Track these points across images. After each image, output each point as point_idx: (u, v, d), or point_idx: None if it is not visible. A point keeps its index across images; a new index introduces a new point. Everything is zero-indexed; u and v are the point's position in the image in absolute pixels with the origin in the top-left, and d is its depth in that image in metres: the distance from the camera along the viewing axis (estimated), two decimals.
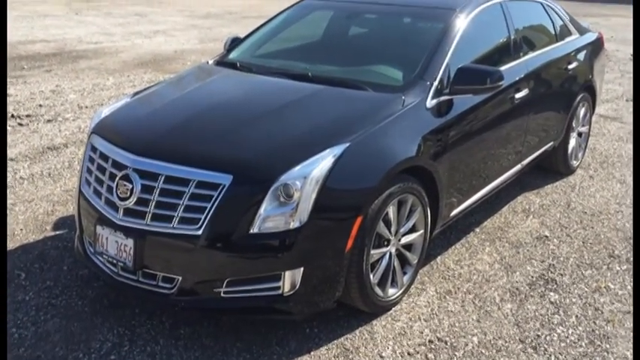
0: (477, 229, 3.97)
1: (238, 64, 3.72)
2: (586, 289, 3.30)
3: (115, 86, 7.69)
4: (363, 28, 4.14)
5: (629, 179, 4.93)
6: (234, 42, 4.16)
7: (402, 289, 3.10)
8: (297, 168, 2.60)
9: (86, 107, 6.60)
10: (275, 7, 4.47)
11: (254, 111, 3.04)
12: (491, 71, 3.27)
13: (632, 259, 3.64)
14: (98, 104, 6.69)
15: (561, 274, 3.44)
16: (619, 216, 4.23)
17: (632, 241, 3.87)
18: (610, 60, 10.62)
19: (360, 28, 4.13)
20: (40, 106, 6.60)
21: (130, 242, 2.68)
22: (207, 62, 3.96)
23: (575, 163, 5.00)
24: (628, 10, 21.15)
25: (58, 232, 3.76)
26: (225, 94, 3.36)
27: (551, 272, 3.46)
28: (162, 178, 2.66)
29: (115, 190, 2.75)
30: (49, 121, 6.06)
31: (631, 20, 17.94)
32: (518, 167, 4.14)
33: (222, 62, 3.87)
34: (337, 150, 2.68)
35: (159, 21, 14.86)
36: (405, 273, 3.12)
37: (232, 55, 3.94)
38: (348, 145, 2.72)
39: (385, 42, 3.81)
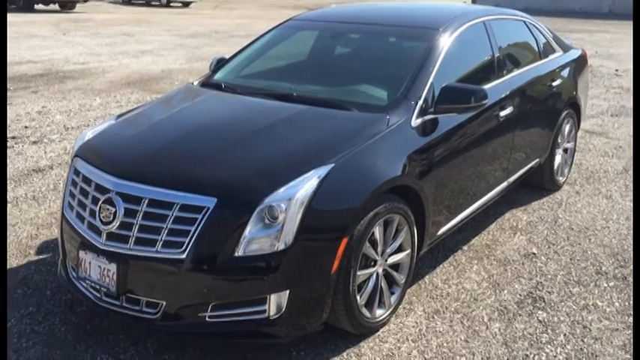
0: (465, 247, 3.96)
1: (223, 85, 3.71)
2: (574, 307, 3.29)
3: (102, 106, 7.67)
4: (348, 48, 4.15)
5: (616, 194, 4.95)
6: (220, 62, 4.16)
7: (390, 310, 3.08)
8: (282, 190, 2.58)
9: (72, 128, 6.57)
10: (262, 25, 4.49)
11: (238, 132, 3.03)
12: (475, 90, 3.28)
13: (619, 275, 3.64)
14: (84, 125, 6.66)
15: (549, 292, 3.43)
16: (606, 232, 4.23)
17: (619, 257, 3.87)
18: (595, 76, 10.75)
19: (345, 48, 4.15)
20: (26, 127, 6.56)
21: (113, 267, 2.65)
22: (193, 83, 3.96)
23: (561, 179, 5.02)
24: (612, 26, 21.50)
25: (41, 257, 3.71)
26: (209, 115, 3.35)
27: (539, 290, 3.45)
28: (146, 201, 2.63)
29: (97, 213, 2.72)
30: (34, 142, 6.02)
31: (615, 36, 18.20)
32: (504, 184, 4.14)
33: (207, 83, 3.87)
34: (322, 171, 2.67)
35: (146, 40, 14.88)
36: (392, 293, 3.10)
37: (217, 76, 3.94)
38: (332, 165, 2.71)
39: (370, 62, 3.82)
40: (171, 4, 30.35)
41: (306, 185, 2.60)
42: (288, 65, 4.12)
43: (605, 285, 3.53)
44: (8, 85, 8.71)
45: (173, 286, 2.60)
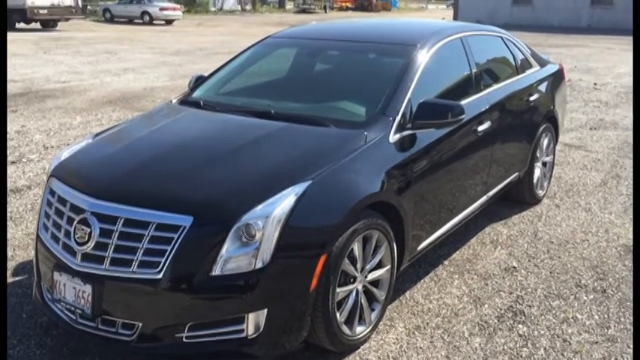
0: (446, 262, 3.96)
1: (202, 103, 3.70)
2: (554, 320, 3.29)
3: (82, 125, 7.62)
4: (327, 65, 4.17)
5: (595, 207, 4.99)
6: (199, 80, 4.16)
7: (371, 327, 3.06)
8: (259, 207, 2.57)
9: (52, 147, 6.51)
10: (245, 42, 4.50)
11: (216, 150, 3.02)
12: (452, 105, 3.30)
13: (598, 288, 3.66)
14: (64, 144, 6.61)
15: (529, 306, 3.44)
16: (585, 245, 4.26)
17: (598, 270, 3.89)
18: (574, 89, 10.89)
19: (324, 65, 4.16)
20: None
21: (88, 288, 2.61)
22: (171, 101, 3.94)
23: (541, 192, 5.06)
24: (590, 40, 21.85)
25: (17, 278, 3.65)
26: (186, 133, 3.33)
27: (520, 304, 3.45)
28: (122, 221, 2.61)
29: (72, 234, 2.68)
30: (12, 162, 5.95)
31: (593, 50, 18.49)
32: (484, 199, 4.16)
33: (185, 101, 3.86)
34: (299, 188, 2.66)
35: (129, 58, 14.87)
36: (372, 310, 3.08)
37: (196, 94, 3.93)
38: (310, 182, 2.70)
39: (348, 78, 3.84)
40: (154, 22, 30.41)
41: (283, 203, 2.59)
42: (267, 82, 4.13)
43: (585, 298, 3.54)
44: None
45: (149, 307, 2.57)
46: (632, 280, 3.74)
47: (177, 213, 2.56)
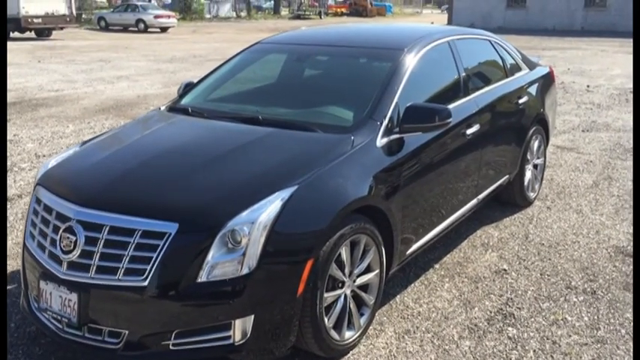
0: (437, 266, 3.96)
1: (190, 110, 3.70)
2: (544, 322, 3.29)
3: (75, 133, 7.61)
4: (315, 70, 4.18)
5: (586, 209, 4.99)
6: (188, 87, 4.16)
7: (360, 332, 3.05)
8: (245, 213, 2.57)
9: (44, 156, 6.50)
10: (239, 49, 4.50)
11: (201, 157, 3.01)
12: (439, 109, 3.30)
13: (588, 289, 3.66)
14: (56, 152, 6.59)
15: (519, 308, 3.43)
16: (576, 246, 4.26)
17: (588, 271, 3.89)
18: (566, 92, 10.93)
19: (312, 70, 4.17)
20: None
21: (74, 297, 2.60)
22: (160, 108, 3.94)
23: (532, 194, 5.06)
24: (584, 43, 21.92)
25: (7, 287, 3.63)
26: (173, 140, 3.33)
27: (509, 306, 3.45)
28: (107, 228, 2.60)
29: (58, 242, 2.67)
30: None
31: (587, 52, 18.56)
32: (474, 202, 4.16)
33: (174, 108, 3.85)
34: (285, 193, 2.66)
35: (123, 66, 14.87)
36: (362, 314, 3.08)
37: (184, 100, 3.93)
38: (296, 187, 2.70)
39: (336, 83, 3.85)
40: (149, 30, 30.44)
41: (269, 208, 2.59)
42: (255, 88, 4.13)
43: (575, 299, 3.54)
44: None
45: (135, 315, 2.56)
46: (621, 281, 3.74)
47: (162, 220, 2.55)
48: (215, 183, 2.78)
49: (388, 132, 3.24)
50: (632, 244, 4.23)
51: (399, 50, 3.72)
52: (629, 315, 3.35)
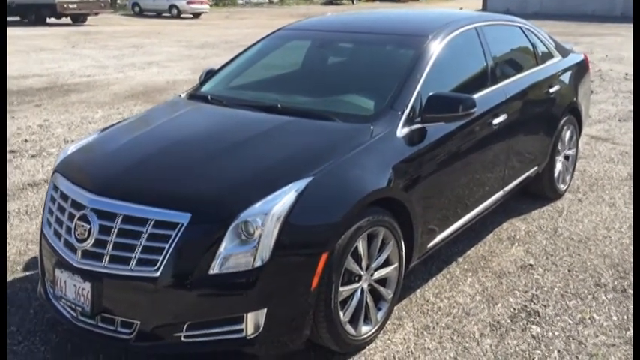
0: (460, 259, 3.86)
1: (209, 97, 3.66)
2: (570, 321, 3.17)
3: (104, 119, 7.67)
4: (337, 57, 4.09)
5: (619, 202, 4.81)
6: (209, 74, 4.11)
7: (377, 326, 2.99)
8: (258, 204, 2.51)
9: (72, 141, 6.56)
10: None
11: (217, 146, 2.97)
12: (463, 98, 3.19)
13: (618, 287, 3.52)
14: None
15: (544, 305, 3.32)
16: (607, 242, 4.11)
17: (619, 268, 3.75)
18: (604, 79, 10.59)
19: (334, 57, 4.08)
20: (26, 141, 6.57)
21: (88, 286, 2.59)
22: (180, 95, 3.91)
23: (562, 187, 4.90)
24: (623, 29, 21.23)
25: (28, 273, 3.67)
26: (191, 128, 3.29)
27: (534, 303, 3.34)
28: (120, 218, 2.58)
29: (73, 231, 2.66)
30: (33, 156, 6.01)
31: (626, 39, 17.96)
32: (500, 194, 4.03)
33: (194, 95, 3.81)
34: (300, 184, 2.59)
35: (154, 52, 14.96)
36: (379, 309, 3.01)
37: (205, 88, 3.88)
38: (311, 179, 2.63)
39: (358, 71, 3.75)
40: (182, 16, 30.60)
41: (283, 199, 2.53)
42: (276, 76, 4.06)
43: (604, 297, 3.40)
44: (12, 99, 8.76)
45: (147, 305, 2.53)
46: None
47: (175, 210, 2.52)
48: (229, 173, 2.73)
49: (410, 122, 3.15)
50: None
51: (424, 37, 3.60)
52: None
